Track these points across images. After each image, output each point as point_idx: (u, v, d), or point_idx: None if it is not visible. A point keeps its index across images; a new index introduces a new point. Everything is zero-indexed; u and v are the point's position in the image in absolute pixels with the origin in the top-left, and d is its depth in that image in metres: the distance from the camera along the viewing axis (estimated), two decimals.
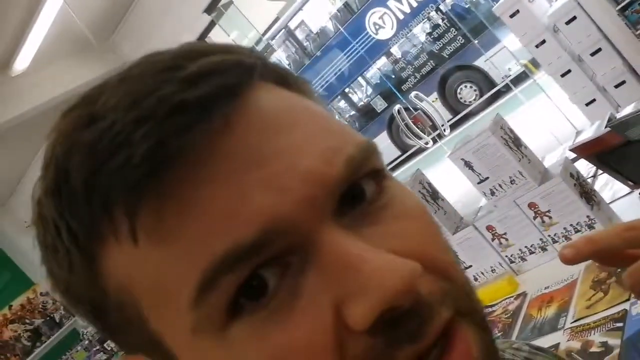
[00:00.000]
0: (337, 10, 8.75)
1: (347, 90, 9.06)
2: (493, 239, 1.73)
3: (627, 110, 1.82)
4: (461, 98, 8.25)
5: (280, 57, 8.79)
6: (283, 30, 8.89)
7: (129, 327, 0.35)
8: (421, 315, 0.32)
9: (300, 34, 9.03)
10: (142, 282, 0.33)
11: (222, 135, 0.32)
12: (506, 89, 7.42)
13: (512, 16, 4.43)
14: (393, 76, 8.75)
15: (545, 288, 1.58)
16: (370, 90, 9.08)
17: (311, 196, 0.32)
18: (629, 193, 1.73)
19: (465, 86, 8.23)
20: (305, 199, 0.31)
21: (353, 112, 9.29)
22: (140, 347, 0.37)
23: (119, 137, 0.31)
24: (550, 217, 1.62)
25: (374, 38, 8.37)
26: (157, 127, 0.31)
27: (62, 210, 0.34)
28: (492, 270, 1.78)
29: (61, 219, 0.34)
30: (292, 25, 8.94)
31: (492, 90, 7.77)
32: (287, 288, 0.32)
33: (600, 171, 1.91)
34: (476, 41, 7.81)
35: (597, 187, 1.84)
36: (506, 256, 1.75)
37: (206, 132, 0.32)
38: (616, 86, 4.20)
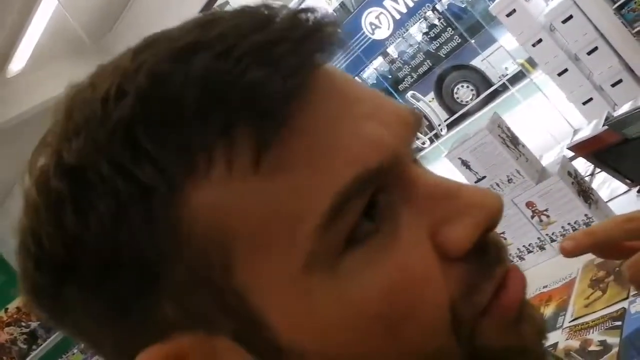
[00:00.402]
0: (334, 10, 8.74)
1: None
2: None
3: (624, 108, 1.82)
4: (458, 98, 8.25)
5: None
6: None
7: (197, 287, 0.30)
8: (499, 241, 0.35)
9: None
10: (247, 220, 0.30)
11: (332, 71, 0.33)
12: (503, 89, 7.43)
13: (508, 15, 4.44)
14: (390, 76, 8.74)
15: (544, 287, 1.57)
16: None
17: (405, 135, 0.34)
18: (626, 191, 1.73)
19: (462, 86, 8.23)
20: (402, 136, 0.33)
21: None
22: (197, 318, 0.31)
23: (252, 54, 0.29)
24: (548, 216, 1.62)
25: (370, 38, 8.37)
26: (296, 47, 0.30)
27: (140, 137, 0.29)
28: None
29: (135, 149, 0.29)
30: None
31: (489, 89, 7.77)
32: (391, 218, 0.32)
33: (597, 169, 1.91)
34: (473, 41, 7.81)
35: (594, 185, 1.84)
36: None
37: (320, 68, 0.32)
38: (613, 85, 4.21)
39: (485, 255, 0.34)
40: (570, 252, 0.45)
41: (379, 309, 0.31)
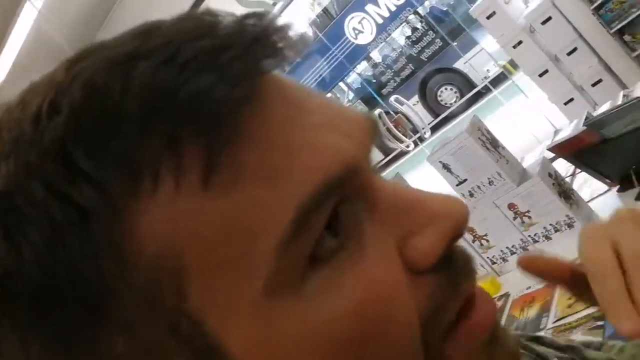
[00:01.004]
0: (317, 16, 8.76)
1: (328, 96, 9.07)
2: (474, 241, 1.73)
3: (603, 108, 1.83)
4: (442, 100, 8.30)
5: None
6: None
7: (148, 316, 0.28)
8: (465, 252, 0.34)
9: None
10: (199, 240, 0.27)
11: (283, 80, 0.32)
12: (486, 91, 7.47)
13: (489, 17, 4.47)
14: (373, 80, 8.77)
15: (527, 288, 1.58)
16: (351, 95, 9.09)
17: (365, 142, 0.32)
18: (606, 191, 1.74)
19: (446, 88, 8.27)
20: (361, 144, 0.32)
21: None
22: (149, 349, 0.28)
23: (197, 61, 0.27)
24: (530, 217, 1.63)
25: (353, 43, 8.39)
26: (243, 52, 0.28)
27: (76, 156, 0.26)
28: None
29: (70, 168, 0.26)
30: None
31: (471, 91, 7.82)
32: (356, 232, 0.31)
33: (578, 170, 1.93)
34: (455, 44, 7.86)
35: (575, 185, 1.85)
36: (488, 257, 1.75)
37: (269, 75, 0.31)
38: (593, 85, 4.24)
39: (453, 266, 0.32)
40: (524, 268, 0.44)
41: (347, 332, 0.29)
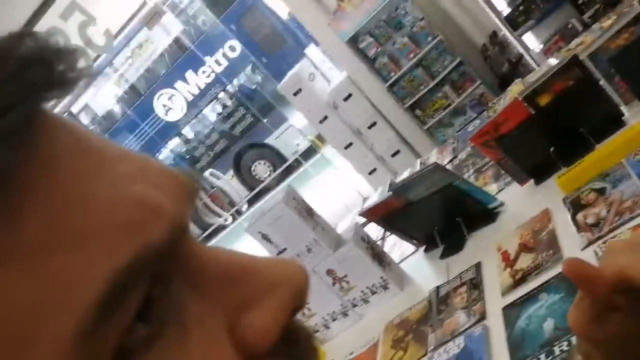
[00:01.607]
0: (124, 92, 8.54)
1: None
2: None
3: (404, 175, 1.97)
4: (256, 175, 8.45)
5: None
6: (65, 114, 8.41)
7: None
8: (306, 327, 0.28)
9: (85, 118, 8.62)
10: None
11: (73, 123, 0.25)
12: (297, 164, 7.77)
13: (295, 94, 4.70)
14: (187, 156, 8.69)
15: (350, 354, 1.58)
16: None
17: (185, 200, 0.26)
18: (414, 252, 1.85)
19: (259, 163, 8.46)
20: (181, 202, 0.25)
21: None
22: None
23: None
24: (347, 282, 1.66)
25: (163, 120, 8.29)
26: (16, 73, 0.21)
27: None
28: None
29: None
30: (75, 109, 8.51)
31: (283, 165, 8.08)
32: (176, 314, 0.24)
33: (387, 233, 2.03)
34: (265, 120, 8.13)
35: (386, 248, 1.94)
36: (310, 326, 1.74)
37: (51, 117, 0.24)
38: (393, 155, 4.62)
39: (295, 346, 0.27)
40: (572, 273, 0.42)
41: None
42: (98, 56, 5.03)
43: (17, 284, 0.20)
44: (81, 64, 0.24)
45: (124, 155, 0.25)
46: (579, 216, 1.32)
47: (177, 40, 7.98)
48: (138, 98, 8.32)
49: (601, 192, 1.34)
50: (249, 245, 1.73)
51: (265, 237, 1.63)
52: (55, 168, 0.22)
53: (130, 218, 0.23)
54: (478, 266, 1.47)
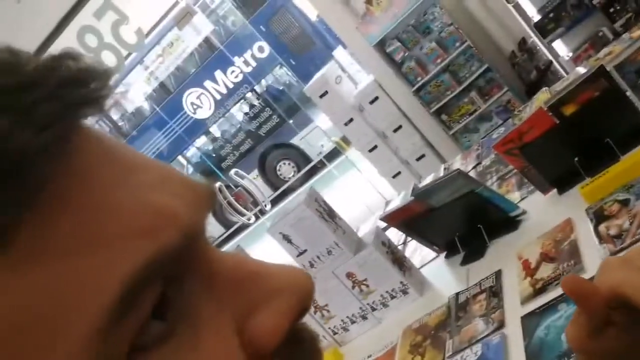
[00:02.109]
0: (153, 90, 8.66)
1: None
2: (315, 312, 1.73)
3: (427, 180, 1.98)
4: (281, 174, 8.49)
5: None
6: None
7: None
8: (311, 330, 0.30)
9: (114, 114, 8.76)
10: None
11: (103, 134, 0.27)
12: (321, 165, 7.79)
13: (321, 97, 4.72)
14: (213, 155, 8.77)
15: (368, 357, 1.60)
16: (190, 169, 8.99)
17: (201, 208, 0.28)
18: (435, 257, 1.85)
19: (284, 163, 8.50)
20: (197, 210, 0.27)
21: None
22: None
23: None
24: (367, 286, 1.67)
25: (192, 117, 8.38)
26: (54, 94, 0.24)
27: None
28: None
29: None
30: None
31: (308, 166, 8.11)
32: (188, 314, 0.26)
33: (409, 238, 2.03)
34: (291, 121, 8.17)
35: (407, 253, 1.94)
36: (329, 328, 1.76)
37: (85, 127, 0.26)
38: (417, 159, 4.61)
39: (299, 347, 0.29)
40: (569, 289, 0.43)
41: None
42: (129, 54, 5.10)
43: (41, 286, 0.22)
44: (112, 82, 0.27)
45: (146, 165, 0.28)
46: (602, 227, 1.31)
47: (206, 40, 8.07)
48: (167, 96, 8.43)
49: (625, 203, 1.33)
50: (271, 245, 1.76)
51: (286, 238, 1.65)
52: (85, 178, 0.24)
53: (146, 224, 0.25)
54: (498, 274, 1.47)
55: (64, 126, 0.24)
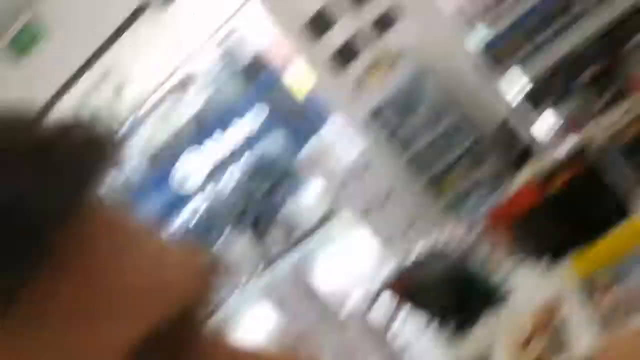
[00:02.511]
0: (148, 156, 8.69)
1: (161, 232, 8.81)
2: None
3: (417, 250, 1.97)
4: (271, 240, 8.43)
5: None
6: None
7: None
8: None
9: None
10: None
11: (114, 202, 0.28)
12: (312, 231, 7.75)
13: (314, 164, 4.78)
14: (205, 216, 8.74)
15: None
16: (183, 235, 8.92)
17: (205, 282, 0.28)
18: (422, 331, 1.82)
19: (275, 229, 8.45)
20: (195, 282, 0.27)
21: None
22: None
23: (4, 164, 0.23)
24: None
25: (183, 184, 8.44)
26: (71, 157, 0.24)
27: None
28: None
29: None
30: None
31: (299, 232, 8.08)
32: None
33: (397, 310, 2.01)
34: (283, 187, 8.21)
35: (396, 325, 1.91)
36: None
37: (93, 198, 0.26)
38: (407, 227, 4.59)
39: None
40: None
41: None
42: (125, 121, 5.17)
43: (37, 349, 0.23)
44: (119, 151, 0.28)
45: (149, 237, 0.28)
46: (592, 301, 1.31)
47: (203, 108, 8.20)
48: (159, 162, 8.48)
49: (615, 278, 1.33)
50: (258, 311, 1.73)
51: (270, 313, 1.63)
52: (90, 246, 0.25)
53: (144, 299, 0.25)
54: (487, 349, 1.45)
55: (79, 193, 0.25)
